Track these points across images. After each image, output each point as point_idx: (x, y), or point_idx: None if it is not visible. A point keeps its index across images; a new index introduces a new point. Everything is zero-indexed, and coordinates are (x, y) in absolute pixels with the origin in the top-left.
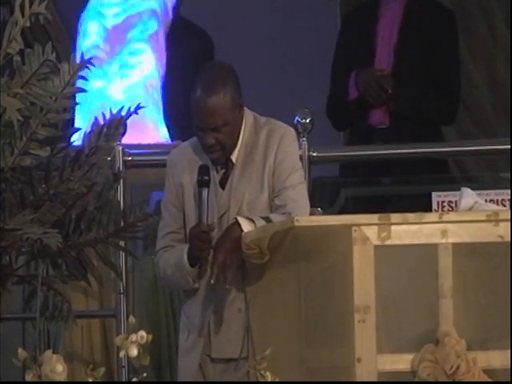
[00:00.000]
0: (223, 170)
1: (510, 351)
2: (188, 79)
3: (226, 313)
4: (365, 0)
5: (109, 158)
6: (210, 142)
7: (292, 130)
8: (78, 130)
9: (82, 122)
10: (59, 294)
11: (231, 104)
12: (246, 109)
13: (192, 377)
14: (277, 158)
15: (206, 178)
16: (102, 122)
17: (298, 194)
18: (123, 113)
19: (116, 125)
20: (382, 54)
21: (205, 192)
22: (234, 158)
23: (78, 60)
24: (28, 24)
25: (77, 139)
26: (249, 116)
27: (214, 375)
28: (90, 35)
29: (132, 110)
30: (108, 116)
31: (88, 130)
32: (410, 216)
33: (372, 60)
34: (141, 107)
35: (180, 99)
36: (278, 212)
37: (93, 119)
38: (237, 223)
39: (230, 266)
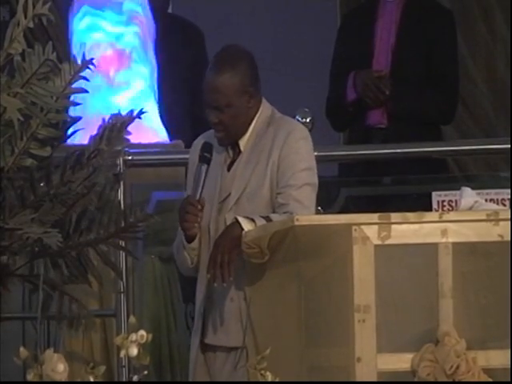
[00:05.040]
0: (233, 156)
1: (509, 351)
2: (180, 76)
3: (219, 301)
4: (364, 0)
5: None
6: (212, 119)
7: (303, 129)
8: (78, 130)
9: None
10: (69, 296)
11: (238, 87)
12: (265, 102)
13: (193, 361)
14: (282, 153)
15: (207, 154)
16: (105, 125)
17: (301, 194)
18: (126, 117)
19: (118, 128)
20: (380, 54)
21: (203, 168)
22: (242, 145)
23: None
24: (31, 25)
25: (75, 139)
26: (267, 109)
27: (209, 362)
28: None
29: (135, 114)
30: (112, 119)
31: (94, 133)
32: (410, 215)
33: (370, 61)
34: (143, 112)
35: (174, 97)
36: (280, 211)
37: (100, 121)
38: (237, 222)
39: (229, 265)
